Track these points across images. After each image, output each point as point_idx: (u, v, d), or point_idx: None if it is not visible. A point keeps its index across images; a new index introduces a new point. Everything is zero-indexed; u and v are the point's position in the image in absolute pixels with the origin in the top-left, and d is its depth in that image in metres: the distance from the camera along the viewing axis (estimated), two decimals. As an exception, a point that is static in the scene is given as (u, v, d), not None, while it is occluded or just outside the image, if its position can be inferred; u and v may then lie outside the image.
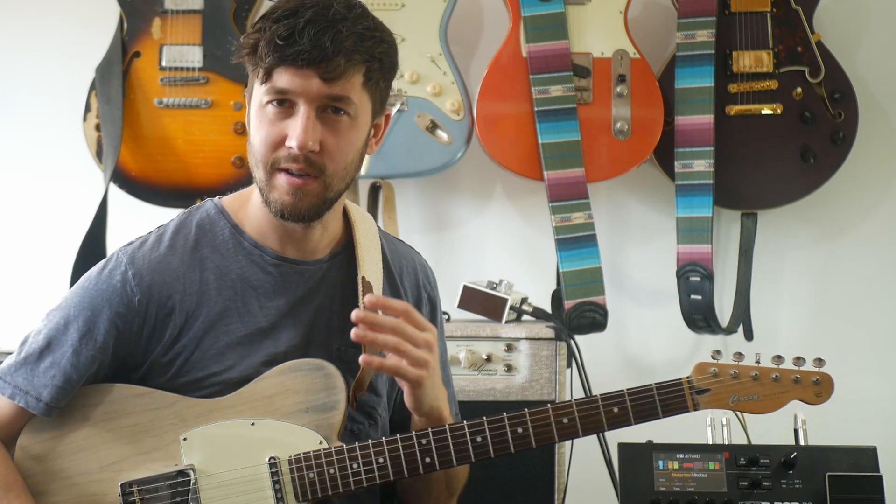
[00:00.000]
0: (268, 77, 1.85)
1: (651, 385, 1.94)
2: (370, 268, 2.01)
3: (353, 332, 1.84)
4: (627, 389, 1.93)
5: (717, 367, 1.96)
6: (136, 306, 1.91)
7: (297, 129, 1.85)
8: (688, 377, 1.96)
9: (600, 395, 1.93)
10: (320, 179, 1.88)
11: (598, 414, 1.92)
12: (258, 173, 1.90)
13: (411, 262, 2.14)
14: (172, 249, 1.95)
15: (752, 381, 1.96)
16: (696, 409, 1.96)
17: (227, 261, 1.96)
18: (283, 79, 1.84)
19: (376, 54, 1.88)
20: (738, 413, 2.24)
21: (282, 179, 1.88)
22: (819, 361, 1.98)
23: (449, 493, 2.07)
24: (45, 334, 1.92)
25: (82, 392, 1.92)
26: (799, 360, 1.97)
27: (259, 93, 1.88)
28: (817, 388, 1.97)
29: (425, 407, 1.91)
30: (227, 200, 2.02)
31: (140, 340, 1.92)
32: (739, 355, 1.97)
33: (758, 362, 1.98)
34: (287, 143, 1.86)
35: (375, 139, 1.99)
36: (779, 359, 1.97)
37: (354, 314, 1.84)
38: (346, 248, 2.03)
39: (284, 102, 1.86)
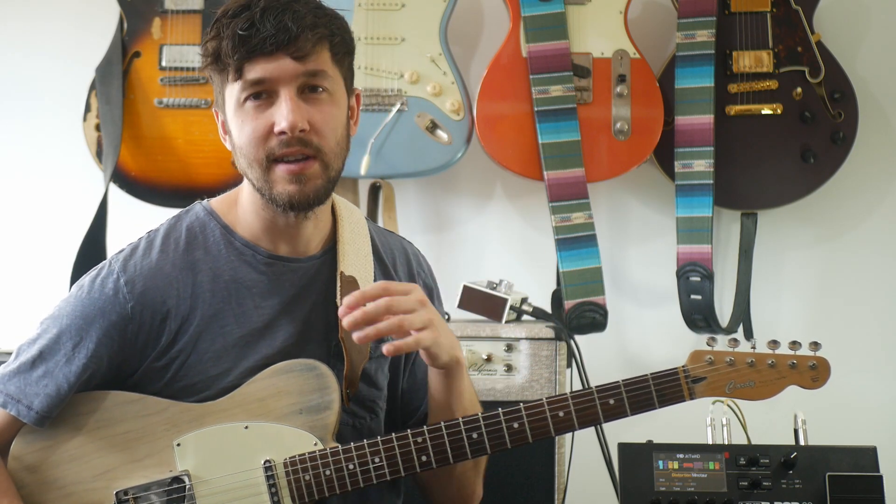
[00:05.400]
0: (239, 74, 1.85)
1: (647, 375, 1.92)
2: (355, 262, 2.00)
3: (355, 336, 1.83)
4: (623, 380, 1.91)
5: (712, 355, 1.94)
6: (129, 314, 1.90)
7: (283, 112, 1.84)
8: (683, 366, 1.93)
9: (595, 386, 1.92)
10: (318, 159, 1.88)
11: (594, 406, 1.90)
12: (254, 173, 1.89)
13: (402, 250, 2.13)
14: (164, 254, 1.94)
15: (749, 368, 1.94)
16: (692, 398, 1.93)
17: (219, 262, 1.95)
18: (255, 70, 1.84)
19: (335, 29, 1.90)
20: (738, 412, 2.25)
21: (281, 170, 1.87)
22: (815, 345, 1.96)
23: (476, 472, 2.07)
24: (38, 344, 1.92)
25: (74, 400, 1.91)
26: (795, 345, 1.95)
27: (233, 92, 1.88)
28: (814, 372, 1.95)
29: (443, 358, 1.90)
30: (217, 202, 2.01)
31: (135, 347, 1.92)
32: (735, 342, 1.95)
33: (753, 348, 1.96)
34: (276, 130, 1.85)
35: (353, 120, 1.99)
36: (774, 344, 1.95)
37: (340, 312, 1.83)
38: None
39: (262, 94, 1.86)
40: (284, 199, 1.88)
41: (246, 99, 1.87)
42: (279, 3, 1.85)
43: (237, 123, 1.89)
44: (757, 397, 1.95)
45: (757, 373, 1.94)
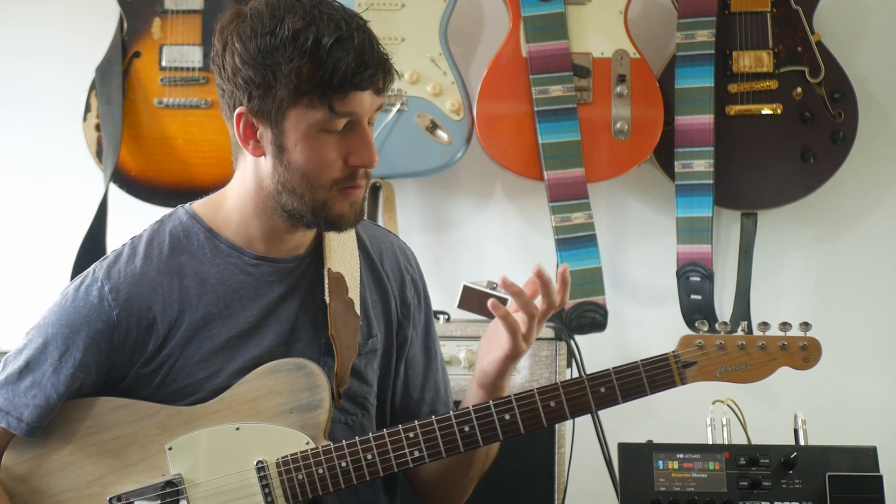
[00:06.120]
0: (329, 104, 1.81)
1: (637, 362, 1.90)
2: (341, 258, 2.00)
3: (537, 269, 1.90)
4: (613, 368, 1.90)
5: (702, 339, 1.92)
6: (114, 321, 1.89)
7: (365, 147, 1.86)
8: (673, 351, 1.91)
9: (586, 375, 1.91)
10: (366, 182, 1.92)
11: (585, 395, 1.89)
12: (314, 195, 1.86)
13: (390, 245, 2.12)
14: (148, 260, 1.93)
15: (739, 351, 1.92)
16: (683, 383, 1.91)
17: (204, 266, 1.94)
18: (350, 104, 1.82)
19: None
20: (738, 412, 2.25)
21: (345, 195, 1.88)
22: (805, 326, 1.94)
23: (482, 471, 2.07)
24: (25, 354, 1.91)
25: (64, 408, 1.90)
26: (785, 326, 1.93)
27: (308, 117, 1.82)
28: (805, 353, 1.93)
29: (506, 380, 1.95)
30: (199, 205, 2.00)
31: (122, 354, 1.90)
32: (725, 325, 1.94)
33: (744, 331, 1.94)
34: (353, 162, 1.85)
35: None
36: (764, 325, 1.93)
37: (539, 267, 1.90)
38: None
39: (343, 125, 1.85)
40: (341, 220, 1.89)
41: (331, 129, 1.84)
42: (366, 33, 1.82)
43: (307, 147, 1.84)
44: (748, 380, 1.92)
45: (747, 355, 1.92)
